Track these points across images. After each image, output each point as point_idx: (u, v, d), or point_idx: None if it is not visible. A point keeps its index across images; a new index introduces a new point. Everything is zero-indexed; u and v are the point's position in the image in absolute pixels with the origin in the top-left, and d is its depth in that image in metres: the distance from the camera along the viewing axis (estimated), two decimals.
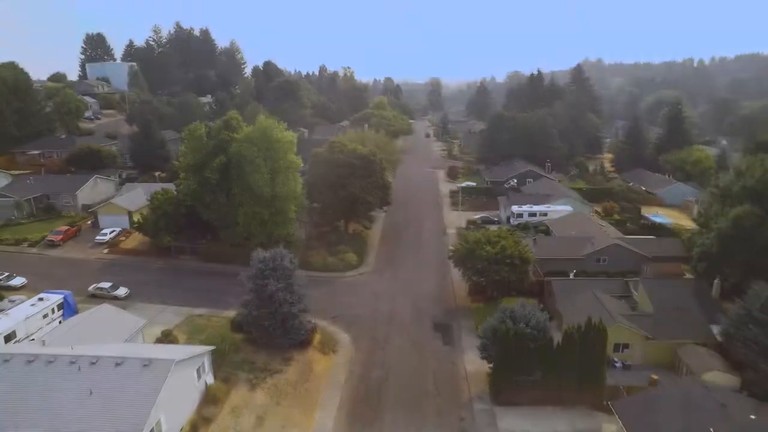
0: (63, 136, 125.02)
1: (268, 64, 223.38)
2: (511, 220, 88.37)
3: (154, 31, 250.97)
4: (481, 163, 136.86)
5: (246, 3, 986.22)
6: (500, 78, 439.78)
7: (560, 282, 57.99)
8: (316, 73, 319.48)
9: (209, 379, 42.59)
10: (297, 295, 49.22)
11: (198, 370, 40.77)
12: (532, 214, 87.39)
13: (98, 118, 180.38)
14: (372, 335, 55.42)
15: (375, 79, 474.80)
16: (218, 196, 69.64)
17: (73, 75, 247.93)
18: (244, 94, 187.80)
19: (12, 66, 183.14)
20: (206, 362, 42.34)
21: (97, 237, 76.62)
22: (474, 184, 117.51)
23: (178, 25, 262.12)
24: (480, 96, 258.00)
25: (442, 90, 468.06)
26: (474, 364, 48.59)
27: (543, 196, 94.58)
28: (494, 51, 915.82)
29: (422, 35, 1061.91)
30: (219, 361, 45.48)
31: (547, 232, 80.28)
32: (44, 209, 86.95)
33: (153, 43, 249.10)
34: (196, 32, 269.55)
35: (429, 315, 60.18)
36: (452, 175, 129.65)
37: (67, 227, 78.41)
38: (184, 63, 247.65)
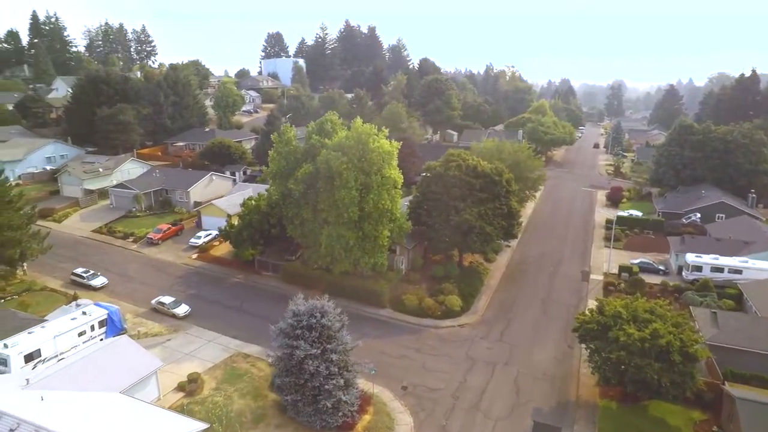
0: (207, 130, 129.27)
1: (424, 61, 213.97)
2: (684, 273, 64.95)
3: (321, 28, 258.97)
4: (654, 185, 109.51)
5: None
6: (699, 81, 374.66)
7: (752, 405, 36.63)
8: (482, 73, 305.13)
9: None
10: (337, 366, 36.82)
11: None
12: (718, 269, 63.03)
13: (257, 112, 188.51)
14: (443, 426, 40.66)
15: (549, 81, 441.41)
16: (302, 210, 60.30)
17: (255, 71, 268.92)
18: (395, 92, 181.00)
19: (194, 64, 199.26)
20: None
21: (191, 240, 72.94)
22: (640, 213, 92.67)
23: (347, 23, 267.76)
24: (668, 101, 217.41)
25: (627, 93, 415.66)
26: None
27: (738, 244, 68.61)
28: (700, 49, 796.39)
29: (614, 34, 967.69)
30: None
31: (738, 300, 56.41)
32: (161, 203, 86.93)
33: (320, 40, 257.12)
34: (364, 30, 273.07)
35: (532, 406, 43.27)
36: (614, 198, 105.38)
37: (168, 226, 76.21)
38: (346, 60, 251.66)
